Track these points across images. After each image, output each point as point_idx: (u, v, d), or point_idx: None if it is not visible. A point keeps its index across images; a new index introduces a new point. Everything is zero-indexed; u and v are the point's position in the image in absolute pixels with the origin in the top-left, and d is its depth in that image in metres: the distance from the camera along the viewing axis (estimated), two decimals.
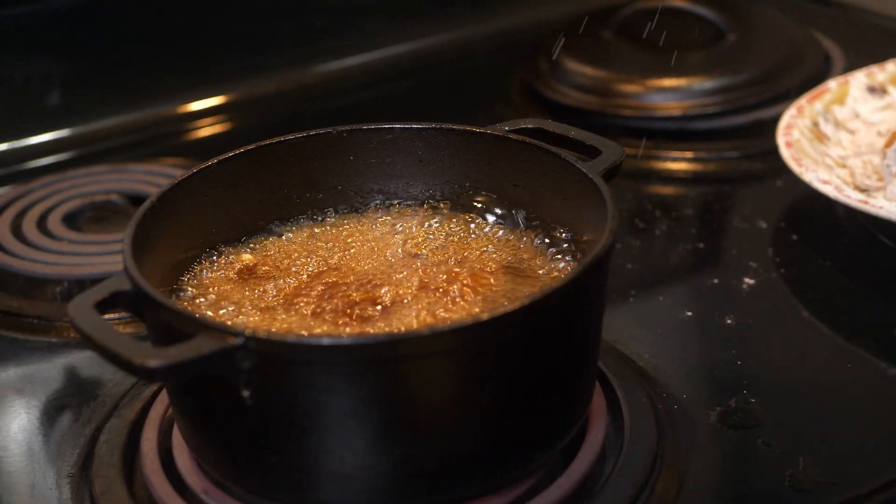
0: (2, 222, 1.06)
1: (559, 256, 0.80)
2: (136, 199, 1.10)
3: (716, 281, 0.97)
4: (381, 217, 0.86)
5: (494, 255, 0.81)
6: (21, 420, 0.87)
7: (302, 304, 0.77)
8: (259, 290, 0.79)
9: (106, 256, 1.00)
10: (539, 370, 0.69)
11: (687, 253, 1.03)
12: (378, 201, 0.87)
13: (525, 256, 0.81)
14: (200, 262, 0.81)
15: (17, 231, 1.05)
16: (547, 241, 0.82)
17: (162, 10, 1.33)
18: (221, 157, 0.82)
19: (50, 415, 0.87)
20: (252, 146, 0.83)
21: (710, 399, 0.83)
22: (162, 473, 0.77)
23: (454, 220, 0.85)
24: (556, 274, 0.79)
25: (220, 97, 1.37)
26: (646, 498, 0.74)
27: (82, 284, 0.99)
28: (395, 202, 0.87)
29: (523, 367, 0.68)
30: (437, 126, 0.86)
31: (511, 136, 0.83)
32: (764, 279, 0.97)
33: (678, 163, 1.16)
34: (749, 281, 0.96)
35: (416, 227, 0.85)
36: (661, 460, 0.77)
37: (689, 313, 0.93)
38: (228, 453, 0.71)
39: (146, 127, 1.32)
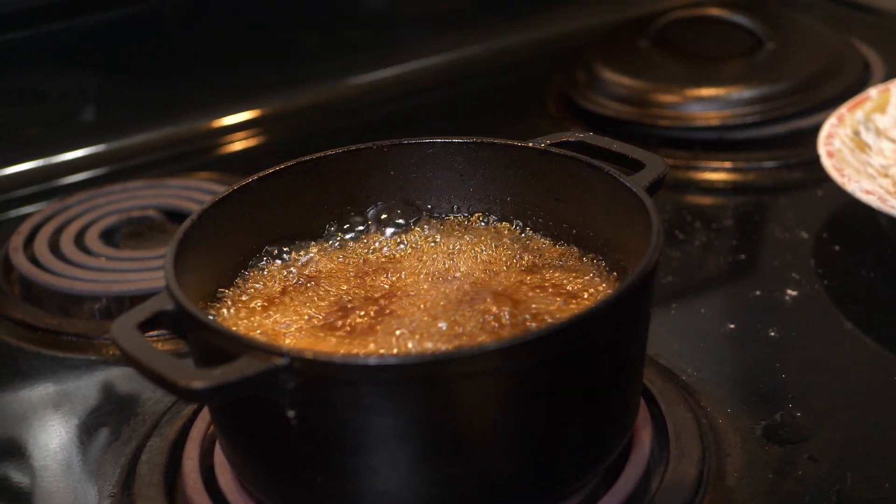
0: (39, 239, 1.06)
1: (602, 271, 0.79)
2: (173, 215, 1.10)
3: (758, 293, 0.96)
4: (422, 232, 0.86)
5: (536, 271, 0.81)
6: (61, 439, 0.86)
7: (341, 322, 0.76)
8: (298, 307, 0.78)
9: (144, 273, 1.00)
10: (586, 387, 0.68)
11: (727, 264, 1.02)
12: (418, 216, 0.86)
13: (567, 271, 0.80)
14: (239, 279, 0.81)
15: (55, 248, 1.05)
16: (589, 255, 0.81)
17: (194, 25, 1.33)
18: (261, 173, 0.82)
19: (90, 433, 0.86)
20: (292, 162, 0.83)
21: (755, 413, 0.83)
22: (205, 493, 0.76)
23: (495, 235, 0.84)
24: (599, 289, 0.78)
25: (254, 111, 1.36)
26: None
27: (121, 301, 0.99)
28: (436, 217, 0.86)
29: (571, 384, 0.67)
30: (478, 140, 0.85)
31: (553, 150, 0.82)
32: (807, 291, 0.96)
33: (717, 173, 1.15)
34: (792, 292, 0.95)
35: (457, 243, 0.84)
36: (706, 477, 0.76)
37: (732, 326, 0.92)
38: (272, 473, 0.70)
39: (180, 142, 1.32)
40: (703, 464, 0.77)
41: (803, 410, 0.82)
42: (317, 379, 0.64)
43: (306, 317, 0.77)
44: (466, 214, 0.86)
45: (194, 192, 1.13)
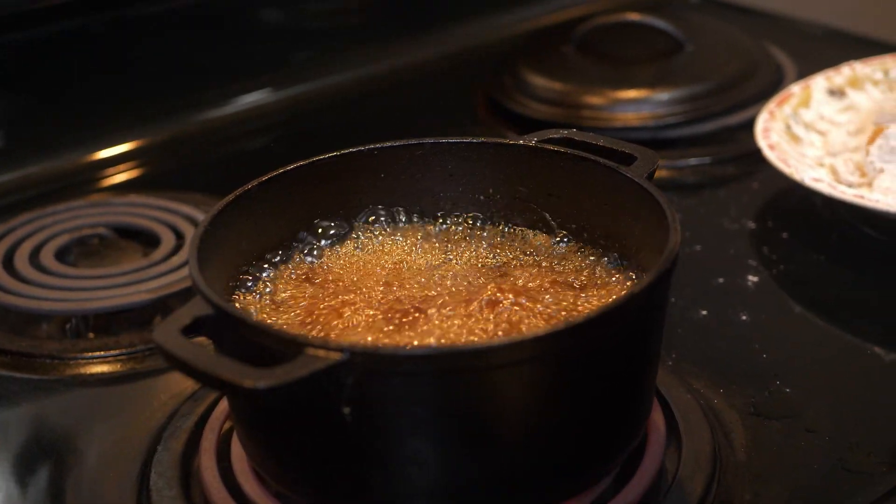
0: None
1: (604, 262, 0.81)
2: (123, 232, 1.08)
3: (721, 280, 1.00)
4: (413, 233, 0.86)
5: (534, 265, 0.82)
6: (60, 462, 0.84)
7: (340, 321, 0.76)
8: (305, 310, 0.78)
9: (111, 290, 0.98)
10: (624, 371, 0.71)
11: (686, 256, 1.05)
12: (409, 217, 0.87)
13: (567, 265, 0.82)
14: (237, 284, 0.80)
15: (9, 268, 1.02)
16: (587, 247, 0.83)
17: (89, 51, 1.27)
18: (260, 179, 0.81)
19: (87, 455, 0.84)
20: (290, 167, 0.83)
21: (746, 392, 0.86)
22: (232, 501, 0.76)
23: (491, 232, 0.86)
24: (603, 278, 0.80)
25: (142, 139, 1.31)
26: (716, 491, 0.76)
27: (87, 320, 0.97)
28: (426, 217, 0.87)
29: (614, 368, 0.69)
30: (469, 140, 0.87)
31: (545, 146, 0.84)
32: (766, 276, 1.00)
33: (656, 171, 1.19)
34: (753, 278, 1.00)
35: (449, 241, 0.86)
36: (719, 453, 0.79)
37: (704, 312, 0.96)
38: (318, 472, 0.70)
39: (65, 174, 1.25)
40: (714, 442, 0.80)
41: (791, 386, 0.86)
42: (376, 372, 0.64)
43: (307, 315, 0.77)
44: (457, 213, 0.87)
45: (141, 209, 1.11)
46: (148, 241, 1.07)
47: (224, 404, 0.84)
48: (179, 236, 1.06)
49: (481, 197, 0.87)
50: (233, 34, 1.37)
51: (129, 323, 0.98)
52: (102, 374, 0.92)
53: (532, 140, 0.86)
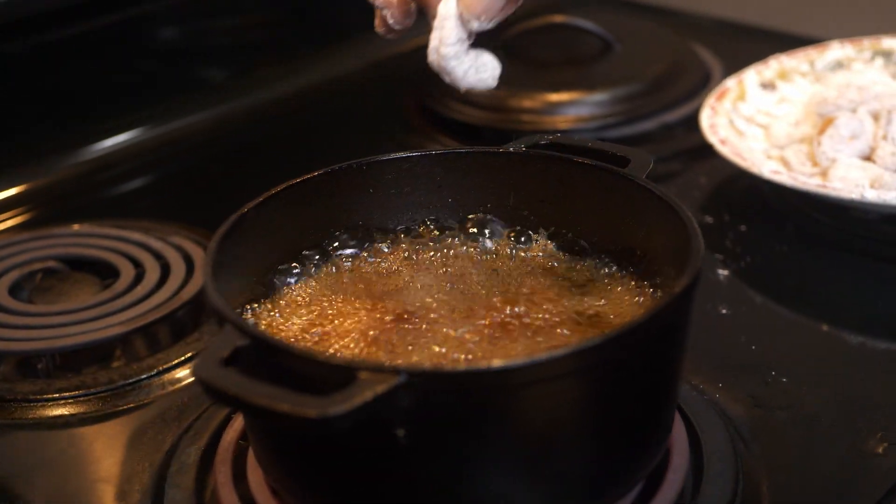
0: None
1: (602, 267, 0.81)
2: (74, 263, 1.03)
3: None
4: (406, 247, 0.85)
5: (530, 273, 0.82)
6: None
7: (343, 343, 0.75)
8: (301, 329, 0.77)
9: (79, 325, 0.93)
10: (663, 374, 0.71)
11: None
12: (400, 231, 0.86)
13: (564, 271, 0.82)
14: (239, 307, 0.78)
15: None
16: (585, 253, 0.83)
17: None
18: (255, 201, 0.79)
19: (90, 501, 0.80)
20: (281, 187, 0.81)
21: (744, 384, 0.87)
22: None
23: (482, 242, 0.85)
24: (606, 283, 0.80)
25: (37, 179, 1.23)
26: (744, 485, 0.77)
27: (54, 359, 0.92)
28: (418, 230, 0.86)
29: (656, 371, 0.70)
30: (457, 150, 0.86)
31: (535, 151, 0.84)
32: (736, 269, 1.02)
33: None
34: (723, 272, 1.01)
35: (443, 253, 0.85)
36: (738, 448, 0.80)
37: None
38: (366, 498, 0.68)
39: None
40: (730, 436, 0.81)
41: (786, 376, 0.87)
42: (434, 393, 0.63)
43: (312, 338, 0.76)
44: (450, 225, 0.86)
45: (88, 239, 1.06)
46: (102, 272, 1.02)
47: (231, 434, 0.81)
48: (137, 265, 1.02)
49: (472, 207, 0.86)
50: (133, 57, 1.33)
51: (92, 359, 0.94)
52: (85, 413, 0.88)
53: (521, 146, 0.85)
